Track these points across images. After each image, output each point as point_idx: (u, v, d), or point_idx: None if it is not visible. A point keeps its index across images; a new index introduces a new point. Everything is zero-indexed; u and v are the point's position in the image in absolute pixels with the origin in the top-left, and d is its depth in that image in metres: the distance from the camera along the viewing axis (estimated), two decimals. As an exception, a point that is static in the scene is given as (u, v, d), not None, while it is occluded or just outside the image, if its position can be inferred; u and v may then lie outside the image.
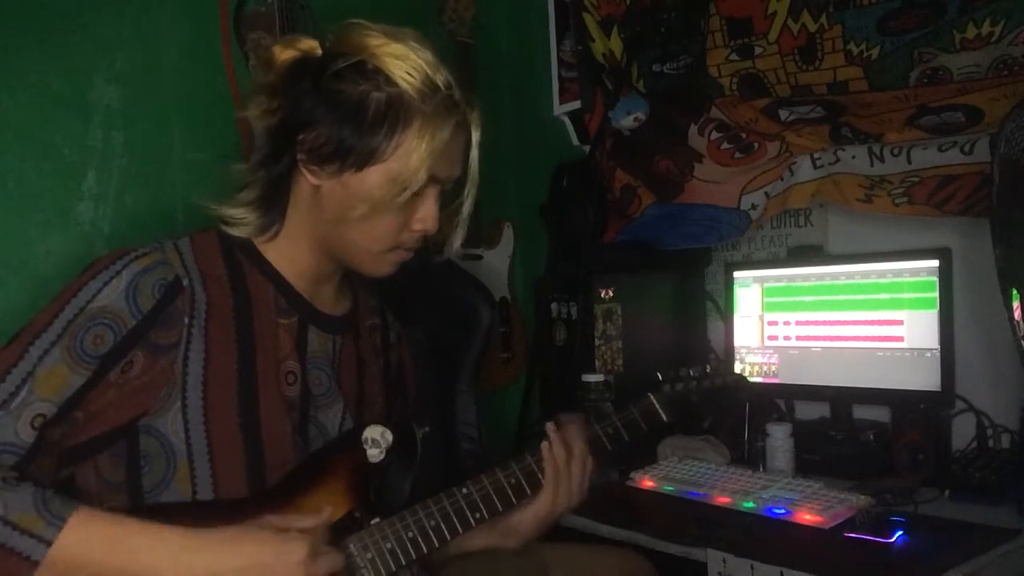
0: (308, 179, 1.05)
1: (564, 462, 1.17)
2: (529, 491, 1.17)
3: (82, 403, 0.95)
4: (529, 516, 1.18)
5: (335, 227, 1.06)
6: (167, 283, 0.99)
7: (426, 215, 1.07)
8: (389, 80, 1.01)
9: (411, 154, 1.01)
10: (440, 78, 1.03)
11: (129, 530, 0.90)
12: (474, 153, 1.11)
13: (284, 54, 1.06)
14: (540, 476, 1.18)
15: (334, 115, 1.01)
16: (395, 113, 1.01)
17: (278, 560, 0.91)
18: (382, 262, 1.10)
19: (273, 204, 1.08)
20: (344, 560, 1.00)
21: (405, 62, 1.01)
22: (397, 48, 1.02)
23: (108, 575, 0.88)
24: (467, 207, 1.15)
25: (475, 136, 1.11)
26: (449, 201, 1.13)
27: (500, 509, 1.14)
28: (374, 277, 1.14)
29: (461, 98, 1.06)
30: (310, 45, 1.07)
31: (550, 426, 1.19)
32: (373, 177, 1.02)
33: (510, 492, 1.15)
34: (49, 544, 0.85)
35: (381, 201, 1.03)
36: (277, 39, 1.83)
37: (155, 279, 0.99)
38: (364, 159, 1.02)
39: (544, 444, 1.17)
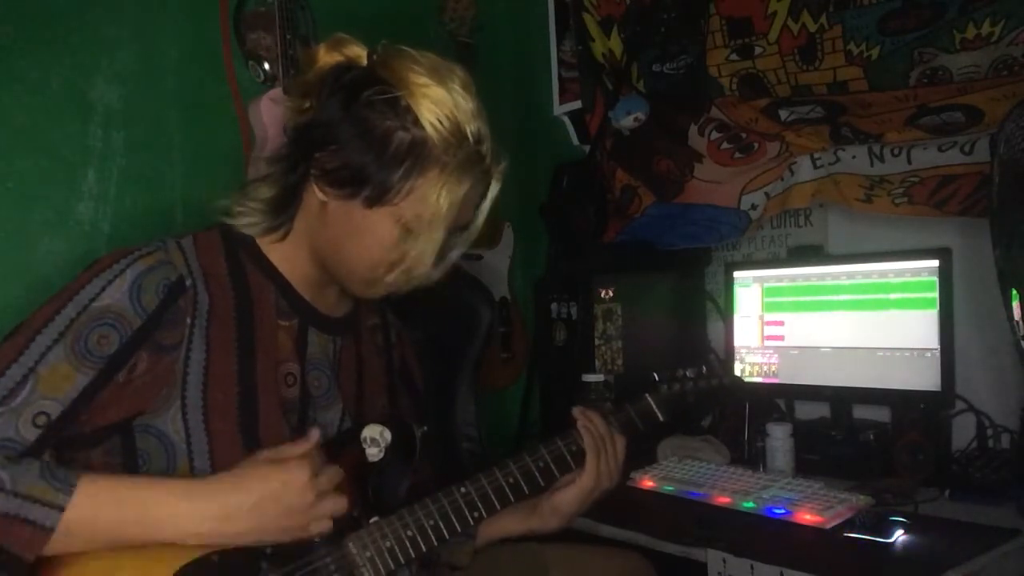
0: (317, 195, 1.04)
1: (603, 435, 1.20)
2: (528, 490, 1.17)
3: (90, 403, 0.95)
4: (572, 494, 1.19)
5: (333, 245, 1.07)
6: (170, 283, 1.00)
7: (425, 258, 1.06)
8: (417, 122, 0.99)
9: (422, 202, 1.01)
10: (472, 129, 1.02)
11: (138, 485, 0.93)
12: (485, 205, 1.10)
13: (328, 57, 1.05)
14: (538, 476, 1.18)
15: (356, 142, 1.00)
16: (415, 157, 1.00)
17: (285, 487, 0.94)
18: (373, 288, 1.10)
19: (283, 208, 1.08)
20: (342, 474, 1.02)
21: (440, 108, 1.00)
22: (436, 92, 1.00)
23: (124, 531, 0.90)
24: (456, 253, 1.13)
25: (493, 190, 1.09)
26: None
27: (498, 508, 1.14)
28: (359, 296, 1.14)
29: (489, 151, 1.05)
30: (356, 53, 1.05)
31: (577, 409, 1.22)
32: (379, 215, 1.02)
33: (508, 491, 1.15)
34: (62, 509, 0.86)
35: (383, 238, 1.03)
36: (277, 39, 1.83)
37: (158, 279, 0.99)
38: (375, 198, 1.01)
39: (580, 422, 1.20)
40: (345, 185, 1.02)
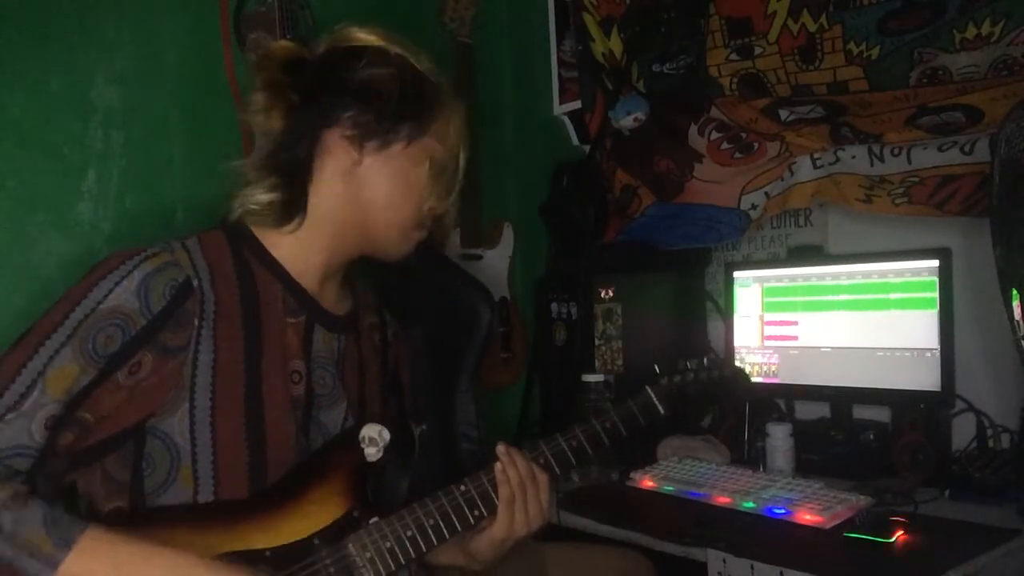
0: (349, 156, 1.08)
1: (519, 484, 1.12)
2: None
3: (87, 402, 0.94)
4: (485, 542, 1.12)
5: (367, 207, 1.10)
6: (177, 284, 0.99)
7: (443, 197, 1.15)
8: (411, 66, 1.10)
9: (446, 133, 1.12)
10: (436, 69, 1.13)
11: (136, 553, 0.90)
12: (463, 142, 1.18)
13: (280, 49, 1.10)
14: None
15: (378, 95, 1.07)
16: (427, 93, 1.10)
17: None
18: (407, 240, 1.15)
19: (294, 191, 1.09)
20: None
21: (415, 55, 1.11)
22: (403, 42, 1.11)
23: None
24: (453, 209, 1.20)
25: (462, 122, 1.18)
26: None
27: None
28: (393, 259, 1.16)
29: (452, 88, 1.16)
30: (301, 48, 1.11)
31: (500, 448, 1.14)
32: (414, 153, 1.09)
33: None
34: (55, 567, 0.85)
35: (420, 176, 1.10)
36: (277, 39, 1.83)
37: (166, 280, 0.99)
38: (412, 133, 1.09)
39: (497, 466, 1.12)
40: (381, 133, 1.08)
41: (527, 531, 1.13)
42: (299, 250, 1.10)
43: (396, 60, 1.09)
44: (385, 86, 1.07)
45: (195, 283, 1.01)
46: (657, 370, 1.33)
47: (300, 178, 1.09)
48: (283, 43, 1.12)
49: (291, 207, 1.09)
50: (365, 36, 1.11)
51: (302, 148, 1.07)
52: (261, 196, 1.08)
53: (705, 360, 1.38)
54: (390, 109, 1.07)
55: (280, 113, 1.08)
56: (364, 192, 1.09)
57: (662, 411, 1.29)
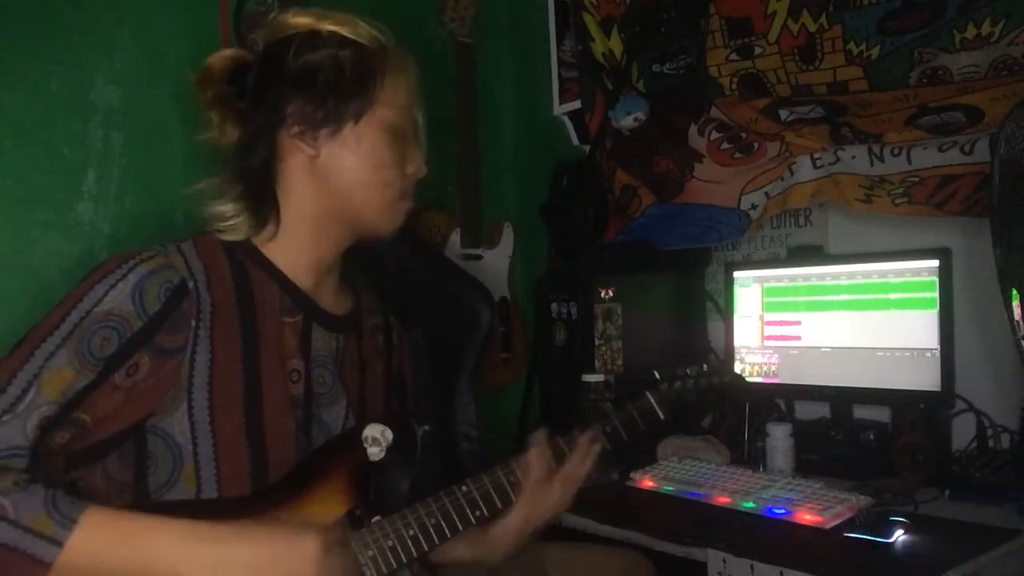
0: (305, 152, 1.07)
1: (541, 478, 1.16)
2: None
3: (85, 404, 0.94)
4: (500, 531, 1.16)
5: (341, 195, 1.09)
6: (173, 286, 0.99)
7: (416, 159, 1.14)
8: (346, 40, 1.07)
9: (397, 97, 1.09)
10: (378, 32, 1.10)
11: (140, 525, 0.91)
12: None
13: (219, 61, 1.09)
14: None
15: (314, 83, 1.05)
16: (367, 65, 1.07)
17: (290, 551, 0.92)
18: (395, 213, 1.14)
19: (261, 199, 1.08)
20: (357, 561, 1.01)
21: (351, 25, 1.08)
22: (337, 16, 1.09)
23: (123, 568, 0.88)
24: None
25: (414, 78, 1.16)
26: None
27: (500, 507, 1.14)
28: (386, 235, 1.15)
29: (393, 42, 1.13)
30: (240, 53, 1.11)
31: (533, 438, 1.17)
32: (369, 128, 1.07)
33: (510, 490, 1.15)
34: (60, 545, 0.85)
35: (380, 149, 1.08)
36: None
37: (161, 282, 0.99)
38: (359, 109, 1.06)
39: (532, 452, 1.17)
40: (328, 121, 1.06)
41: (540, 523, 1.18)
42: (286, 253, 1.10)
43: (328, 39, 1.07)
44: (320, 70, 1.05)
45: (190, 285, 1.01)
46: (657, 376, 1.35)
47: (263, 183, 1.08)
48: (221, 54, 1.10)
49: (260, 214, 1.08)
50: (297, 20, 1.08)
51: (259, 153, 1.07)
52: (226, 206, 1.08)
53: (704, 366, 1.40)
54: (330, 92, 1.05)
55: (233, 124, 1.09)
56: (332, 182, 1.08)
57: (662, 416, 1.32)
